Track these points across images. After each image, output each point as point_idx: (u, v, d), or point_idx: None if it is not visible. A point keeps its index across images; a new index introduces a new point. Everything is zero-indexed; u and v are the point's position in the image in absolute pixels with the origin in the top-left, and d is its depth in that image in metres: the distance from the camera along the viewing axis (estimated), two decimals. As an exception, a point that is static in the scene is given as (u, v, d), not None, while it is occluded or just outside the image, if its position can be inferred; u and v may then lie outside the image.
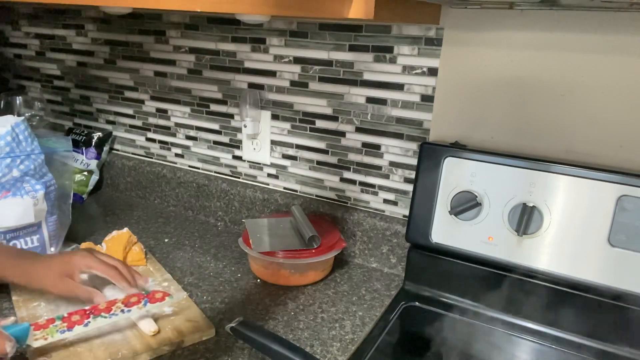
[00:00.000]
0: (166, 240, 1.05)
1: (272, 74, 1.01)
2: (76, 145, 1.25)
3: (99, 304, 0.73)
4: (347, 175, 0.99)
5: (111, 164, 1.30)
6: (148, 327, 0.72)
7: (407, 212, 0.90)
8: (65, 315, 0.70)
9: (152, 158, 1.27)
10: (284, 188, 1.09)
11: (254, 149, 1.08)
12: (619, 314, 0.71)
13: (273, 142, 1.06)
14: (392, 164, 0.94)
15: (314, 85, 0.97)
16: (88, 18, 1.22)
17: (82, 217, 1.14)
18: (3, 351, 0.61)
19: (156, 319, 0.75)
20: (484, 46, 0.80)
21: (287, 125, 1.03)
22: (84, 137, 1.26)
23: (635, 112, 0.73)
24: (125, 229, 0.94)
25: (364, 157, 0.96)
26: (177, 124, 1.19)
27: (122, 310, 0.72)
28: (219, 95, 1.10)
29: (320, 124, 0.99)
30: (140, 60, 1.18)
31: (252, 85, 1.05)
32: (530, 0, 0.67)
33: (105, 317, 0.71)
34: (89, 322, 0.70)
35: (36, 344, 0.66)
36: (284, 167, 1.07)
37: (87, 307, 0.72)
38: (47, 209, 0.89)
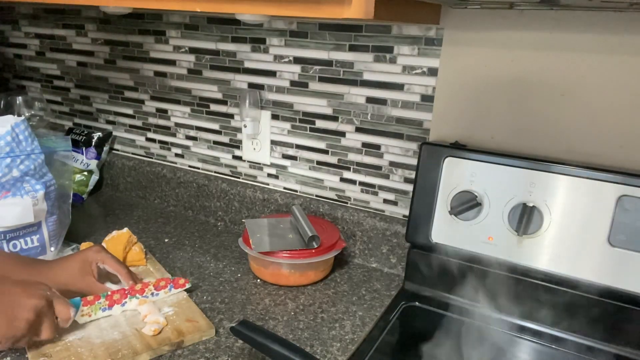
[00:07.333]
0: (166, 240, 1.05)
1: (272, 74, 1.01)
2: (76, 145, 1.25)
3: (135, 285, 0.80)
4: (347, 175, 0.99)
5: (111, 164, 1.30)
6: (155, 318, 0.74)
7: (407, 212, 0.90)
8: (109, 293, 0.77)
9: (152, 158, 1.27)
10: (284, 188, 1.09)
11: (254, 149, 1.08)
12: (619, 313, 0.71)
13: (273, 142, 1.06)
14: (392, 164, 0.94)
15: (314, 85, 0.97)
16: (88, 18, 1.22)
17: (82, 217, 1.14)
18: (68, 316, 0.69)
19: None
20: (484, 46, 0.80)
21: (287, 125, 1.03)
22: (84, 137, 1.26)
23: (635, 112, 0.72)
24: (125, 229, 0.94)
25: (364, 157, 0.96)
26: (177, 124, 1.19)
27: (152, 293, 0.80)
28: (219, 95, 1.10)
29: (320, 124, 0.99)
30: (140, 60, 1.18)
31: (252, 85, 1.05)
32: (530, 0, 0.67)
33: (139, 299, 0.78)
34: (126, 302, 0.77)
35: (82, 320, 0.73)
36: (284, 167, 1.07)
37: (126, 287, 0.79)
38: (47, 209, 0.89)
